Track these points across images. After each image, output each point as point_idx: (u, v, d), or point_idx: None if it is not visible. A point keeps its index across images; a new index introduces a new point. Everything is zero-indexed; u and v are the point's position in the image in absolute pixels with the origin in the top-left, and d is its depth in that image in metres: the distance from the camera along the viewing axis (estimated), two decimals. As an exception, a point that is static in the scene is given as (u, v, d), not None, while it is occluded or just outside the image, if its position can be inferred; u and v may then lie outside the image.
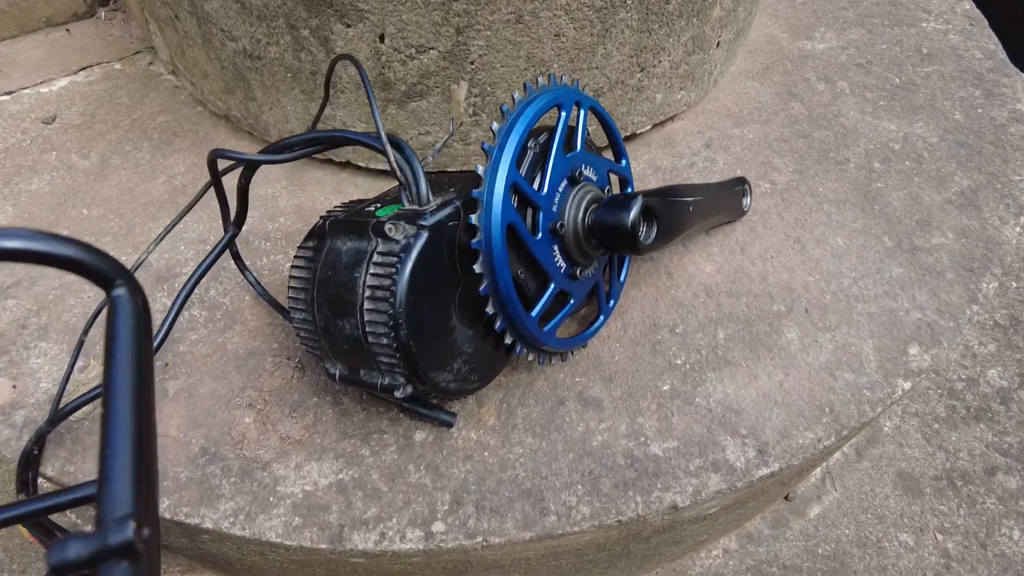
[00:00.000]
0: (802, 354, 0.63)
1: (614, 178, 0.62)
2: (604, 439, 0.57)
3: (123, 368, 0.26)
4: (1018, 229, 0.75)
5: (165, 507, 0.53)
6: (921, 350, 0.64)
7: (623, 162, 0.62)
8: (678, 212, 0.56)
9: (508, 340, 0.51)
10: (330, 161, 0.76)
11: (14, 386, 0.60)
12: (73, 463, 0.55)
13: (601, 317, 0.61)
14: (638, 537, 0.61)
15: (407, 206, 0.48)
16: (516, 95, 0.49)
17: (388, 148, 0.47)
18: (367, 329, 0.45)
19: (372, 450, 0.56)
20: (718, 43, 0.77)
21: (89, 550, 0.21)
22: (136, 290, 0.28)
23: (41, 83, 0.87)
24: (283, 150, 0.51)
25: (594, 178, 0.57)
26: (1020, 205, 0.77)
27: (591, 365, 0.62)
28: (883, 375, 0.62)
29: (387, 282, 0.44)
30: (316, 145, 0.52)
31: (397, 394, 0.47)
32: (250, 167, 0.53)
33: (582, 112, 0.55)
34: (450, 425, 0.56)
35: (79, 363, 0.61)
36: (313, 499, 0.54)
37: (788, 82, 0.90)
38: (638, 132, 0.79)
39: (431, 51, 0.61)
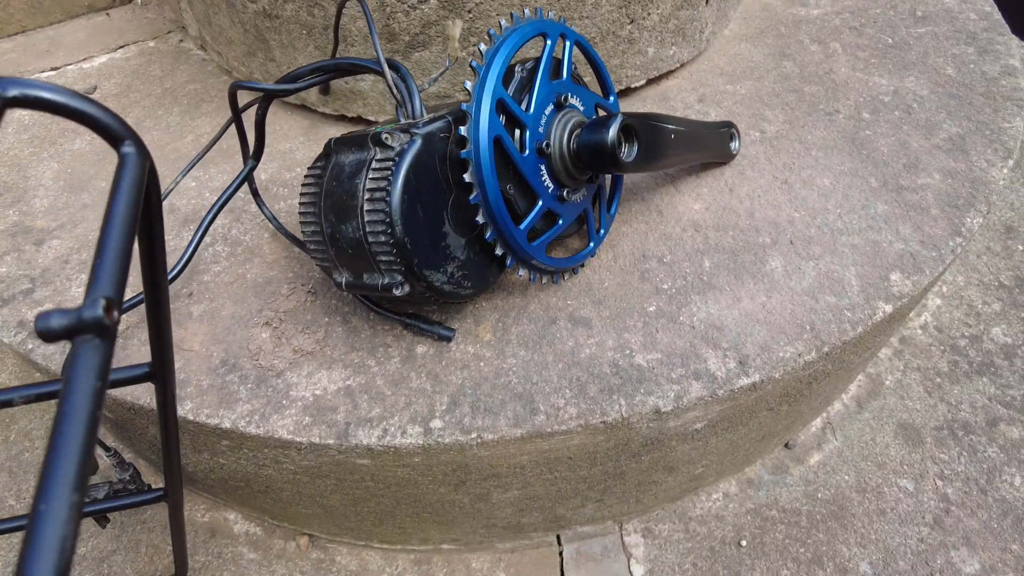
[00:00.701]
0: (785, 280, 0.66)
1: (603, 114, 0.66)
2: (592, 352, 0.61)
3: (122, 207, 0.30)
4: (1006, 171, 0.77)
5: (187, 409, 0.58)
6: (903, 276, 0.67)
7: (611, 98, 0.66)
8: (660, 136, 0.60)
9: (499, 251, 0.55)
10: (343, 117, 0.82)
11: (57, 310, 0.66)
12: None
13: (591, 244, 0.65)
14: (627, 451, 0.64)
15: (403, 121, 0.53)
16: (504, 22, 0.54)
17: (385, 67, 0.52)
18: (367, 229, 0.50)
19: (378, 360, 0.61)
20: (707, 0, 0.81)
21: (67, 321, 0.25)
22: (143, 152, 0.32)
23: (83, 60, 0.95)
24: (294, 80, 0.57)
25: (581, 108, 0.61)
26: (1008, 149, 0.79)
27: (582, 290, 0.66)
28: (864, 298, 0.65)
29: (384, 183, 0.49)
30: (323, 73, 0.57)
31: (396, 292, 0.51)
32: (266, 100, 0.59)
33: (568, 44, 0.60)
34: (449, 339, 0.61)
35: (114, 290, 0.67)
36: (322, 402, 0.58)
37: (781, 44, 0.94)
38: (633, 86, 0.83)
39: (431, 0, 0.66)
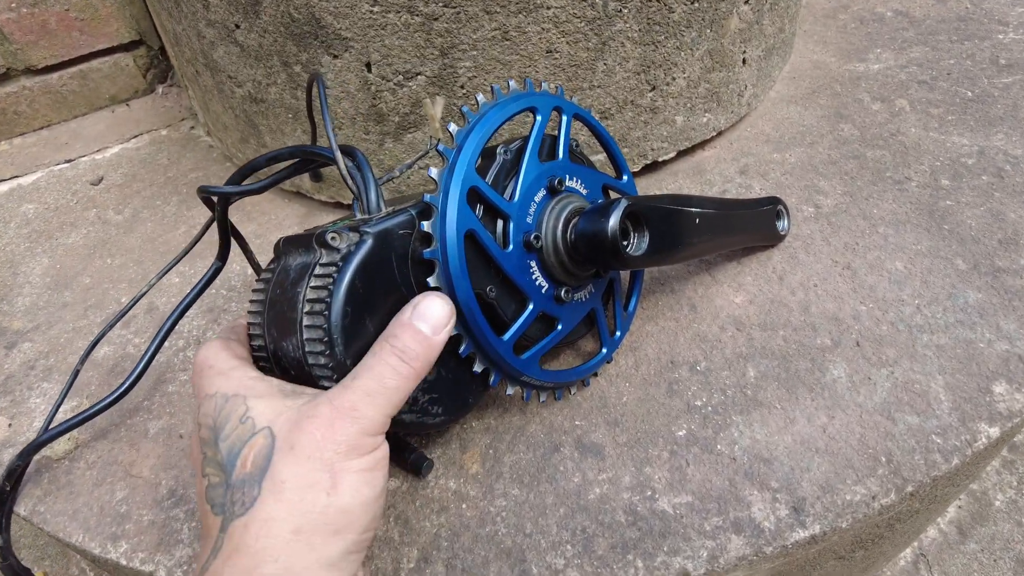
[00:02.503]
0: (851, 393, 0.53)
1: (614, 198, 0.56)
2: (603, 492, 0.49)
3: None
4: None
5: (121, 552, 0.50)
6: (1011, 388, 0.52)
7: (624, 178, 0.57)
8: (678, 222, 0.49)
9: (478, 368, 0.45)
10: (339, 204, 0.76)
11: (9, 424, 0.60)
12: (45, 503, 0.53)
13: (603, 350, 0.54)
14: (654, 616, 0.50)
15: (358, 216, 0.45)
16: (481, 98, 0.46)
17: (338, 154, 0.45)
18: (306, 348, 0.41)
19: (341, 497, 0.50)
20: (743, 60, 0.71)
21: None
22: None
23: (97, 151, 0.94)
24: (253, 170, 0.50)
25: (583, 192, 0.51)
26: None
27: (595, 407, 0.54)
28: (959, 419, 0.50)
29: (324, 294, 0.40)
30: (279, 162, 0.50)
31: (343, 425, 0.42)
32: (223, 199, 0.52)
33: (564, 118, 0.51)
34: (419, 473, 0.50)
35: (73, 402, 0.60)
36: (271, 550, 0.48)
37: (837, 104, 0.82)
38: (661, 160, 0.73)
39: (419, 76, 0.59)
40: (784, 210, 0.64)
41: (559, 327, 0.49)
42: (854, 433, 0.50)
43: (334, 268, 0.40)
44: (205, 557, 0.34)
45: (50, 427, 0.55)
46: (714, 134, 0.76)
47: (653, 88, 0.65)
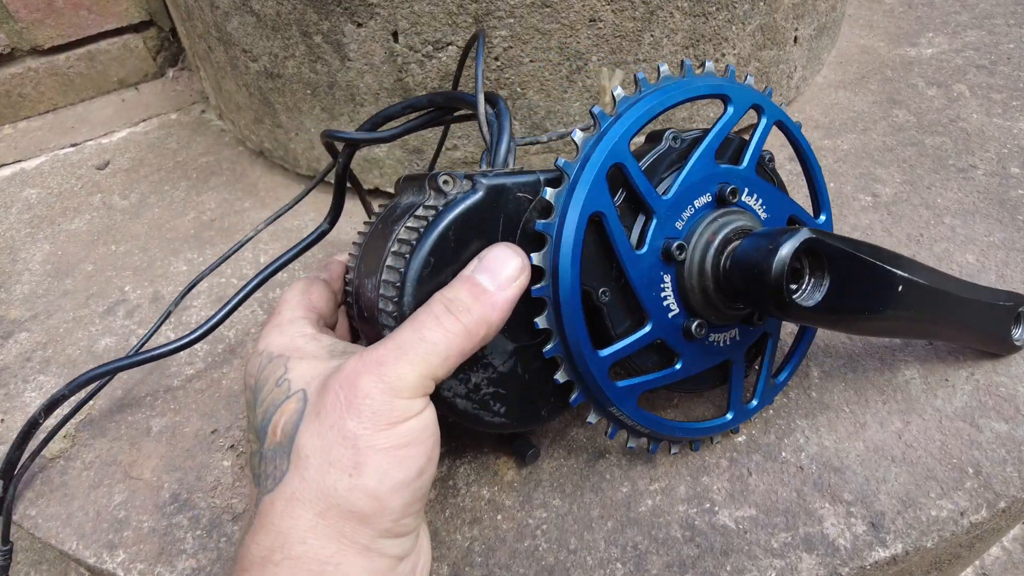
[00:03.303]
0: (927, 397, 0.47)
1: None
2: (655, 504, 0.44)
3: None
4: None
5: (119, 562, 0.45)
6: (1109, 394, 0.46)
7: (822, 217, 0.47)
8: (875, 282, 0.38)
9: (560, 377, 0.38)
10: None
11: (2, 420, 0.55)
12: (37, 506, 0.49)
13: (729, 414, 0.44)
14: (709, 642, 0.45)
15: (483, 167, 0.40)
16: (664, 69, 0.40)
17: (480, 97, 0.41)
18: (381, 291, 0.36)
19: (361, 505, 0.46)
20: (795, 38, 0.66)
21: None
22: None
23: (103, 135, 0.89)
24: (386, 120, 0.46)
25: (761, 215, 0.43)
26: None
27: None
28: (1054, 427, 0.45)
29: (414, 236, 0.35)
30: (415, 110, 0.47)
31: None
32: (350, 146, 0.48)
33: (763, 121, 0.43)
34: (522, 459, 0.45)
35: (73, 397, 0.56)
36: (284, 563, 0.43)
37: (889, 90, 0.77)
38: (704, 145, 0.68)
39: (450, 47, 0.54)
40: None
41: (677, 366, 0.40)
42: (934, 440, 0.45)
43: (433, 212, 0.36)
44: (244, 529, 0.32)
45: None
46: (760, 118, 0.70)
47: (701, 65, 0.60)
